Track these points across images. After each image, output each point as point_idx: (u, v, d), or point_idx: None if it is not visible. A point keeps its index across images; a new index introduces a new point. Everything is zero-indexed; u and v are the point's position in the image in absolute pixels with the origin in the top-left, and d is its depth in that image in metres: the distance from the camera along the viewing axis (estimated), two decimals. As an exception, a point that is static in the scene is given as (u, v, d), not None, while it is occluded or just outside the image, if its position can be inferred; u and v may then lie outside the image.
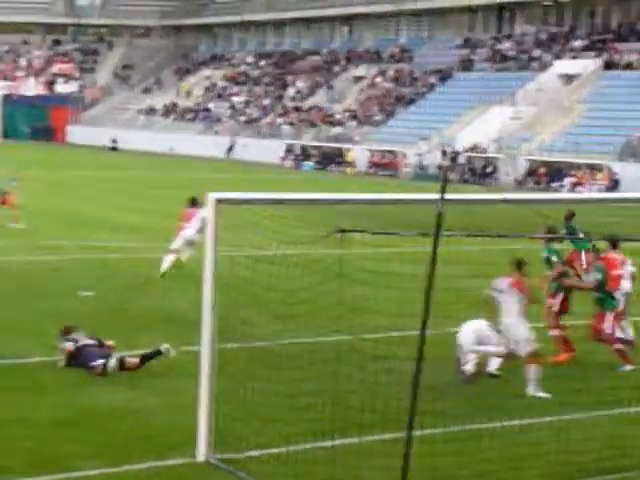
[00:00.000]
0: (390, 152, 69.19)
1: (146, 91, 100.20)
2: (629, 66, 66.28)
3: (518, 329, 13.63)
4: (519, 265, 13.99)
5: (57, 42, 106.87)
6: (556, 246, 16.64)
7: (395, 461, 9.71)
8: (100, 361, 13.90)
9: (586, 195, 44.65)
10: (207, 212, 10.93)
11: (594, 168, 57.84)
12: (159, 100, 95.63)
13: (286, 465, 10.44)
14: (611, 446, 11.23)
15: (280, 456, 10.67)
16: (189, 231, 21.96)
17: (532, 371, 13.47)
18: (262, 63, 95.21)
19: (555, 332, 15.70)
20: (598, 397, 12.86)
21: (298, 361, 13.58)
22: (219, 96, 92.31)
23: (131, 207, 37.30)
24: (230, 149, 79.85)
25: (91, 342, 14.43)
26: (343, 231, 12.99)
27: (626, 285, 16.21)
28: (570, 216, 19.21)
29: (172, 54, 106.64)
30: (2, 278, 21.27)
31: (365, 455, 10.54)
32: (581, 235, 18.80)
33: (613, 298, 15.45)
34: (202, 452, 10.83)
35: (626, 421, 12.12)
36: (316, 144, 75.50)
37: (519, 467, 10.58)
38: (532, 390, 13.40)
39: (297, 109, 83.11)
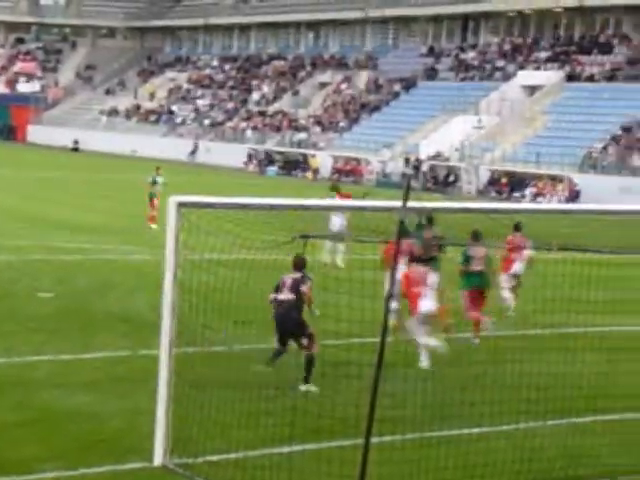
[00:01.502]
0: (354, 159, 69.34)
1: (109, 92, 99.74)
2: (591, 78, 66.90)
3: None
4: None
5: (20, 40, 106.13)
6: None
7: (353, 468, 9.72)
8: None
9: (546, 206, 45.11)
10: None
11: (555, 179, 58.31)
12: (122, 101, 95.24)
13: (243, 470, 10.43)
14: (565, 455, 11.33)
15: (237, 461, 10.65)
16: None
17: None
18: (227, 67, 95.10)
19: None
20: (553, 406, 12.97)
21: (257, 366, 13.58)
22: (183, 99, 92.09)
23: (92, 208, 37.10)
24: (193, 152, 79.67)
25: None
26: (306, 237, 13.01)
27: (518, 267, 19.53)
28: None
29: (136, 56, 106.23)
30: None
31: (323, 461, 10.53)
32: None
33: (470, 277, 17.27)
34: (159, 456, 10.79)
35: (581, 430, 12.22)
36: (280, 149, 75.51)
37: (475, 475, 10.63)
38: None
39: (261, 114, 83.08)
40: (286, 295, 14.04)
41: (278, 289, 14.18)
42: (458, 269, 17.71)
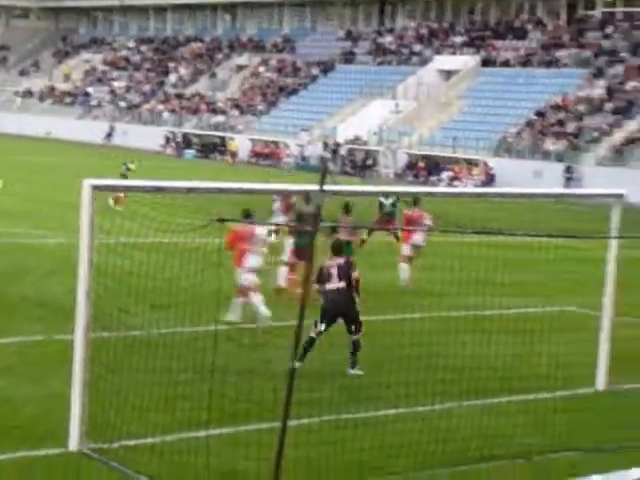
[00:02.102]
0: (272, 142, 69.24)
1: (23, 73, 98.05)
2: (506, 63, 67.66)
3: None
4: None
5: None
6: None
7: (270, 451, 9.73)
8: None
9: (462, 189, 45.60)
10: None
11: (471, 163, 58.94)
12: (37, 83, 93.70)
13: (160, 455, 10.38)
14: (480, 435, 11.48)
15: (154, 446, 10.60)
16: None
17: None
18: (143, 48, 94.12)
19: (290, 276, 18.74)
20: (469, 387, 13.15)
21: (174, 350, 13.50)
22: (99, 80, 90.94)
23: (4, 192, 36.47)
24: (109, 135, 78.77)
25: None
26: (222, 220, 12.91)
27: (418, 238, 21.62)
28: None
29: (51, 36, 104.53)
30: None
31: (240, 445, 10.54)
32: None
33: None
34: (74, 442, 10.69)
35: (495, 411, 12.40)
36: (198, 132, 75.05)
37: (391, 456, 10.74)
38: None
39: (179, 96, 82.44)
40: (337, 284, 14.08)
41: (324, 279, 14.16)
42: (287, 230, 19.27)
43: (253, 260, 16.74)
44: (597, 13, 68.71)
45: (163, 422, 11.01)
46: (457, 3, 76.58)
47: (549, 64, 65.29)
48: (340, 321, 14.31)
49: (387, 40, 77.36)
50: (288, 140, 68.02)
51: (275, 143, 69.00)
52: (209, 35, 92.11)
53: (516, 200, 27.60)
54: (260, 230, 17.05)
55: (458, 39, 72.83)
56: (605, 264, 14.41)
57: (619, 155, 54.73)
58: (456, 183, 57.29)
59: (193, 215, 16.51)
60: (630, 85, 59.66)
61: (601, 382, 14.27)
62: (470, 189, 46.64)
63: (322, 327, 14.08)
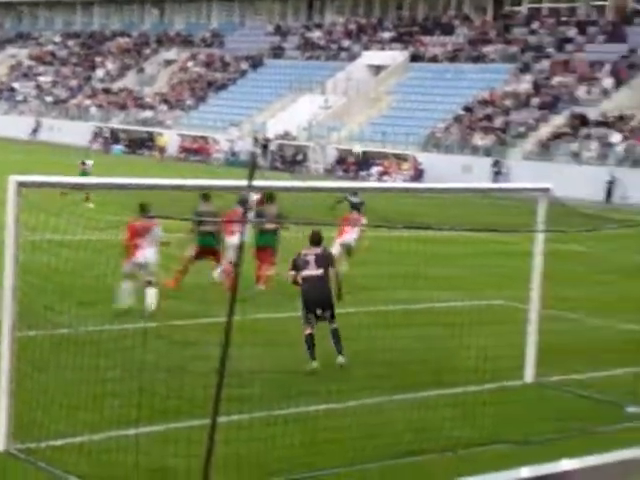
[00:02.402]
0: (201, 137, 68.91)
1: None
2: (434, 59, 68.13)
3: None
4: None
5: None
6: None
7: (200, 448, 9.68)
8: None
9: (391, 184, 45.78)
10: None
11: (400, 158, 59.24)
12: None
13: (89, 454, 10.27)
14: (411, 429, 11.54)
15: (83, 445, 10.48)
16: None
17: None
18: (70, 43, 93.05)
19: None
20: (399, 381, 13.21)
21: (102, 348, 13.37)
22: (24, 75, 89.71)
23: None
24: (35, 130, 77.75)
25: None
26: (151, 217, 12.82)
27: (348, 237, 22.00)
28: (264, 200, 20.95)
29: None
30: None
31: (170, 442, 10.46)
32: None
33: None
34: (1, 442, 10.52)
35: (425, 405, 12.47)
36: (126, 127, 74.41)
37: (321, 452, 10.74)
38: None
39: (106, 91, 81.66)
40: (314, 271, 14.10)
41: (300, 267, 14.20)
42: (189, 229, 19.20)
43: (144, 254, 16.79)
44: (523, 9, 69.50)
45: (92, 421, 10.89)
46: (385, -1, 76.95)
47: (476, 59, 65.88)
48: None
49: (316, 35, 77.42)
50: (217, 135, 67.75)
51: (204, 138, 68.67)
52: (136, 30, 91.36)
53: (445, 195, 27.81)
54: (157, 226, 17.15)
55: (386, 35, 73.13)
56: (532, 258, 14.57)
57: (545, 150, 55.43)
58: (385, 178, 57.54)
59: (121, 211, 16.38)
60: (556, 80, 60.45)
61: (529, 374, 14.42)
62: (400, 184, 46.87)
63: (310, 320, 14.10)
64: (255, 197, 23.24)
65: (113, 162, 57.26)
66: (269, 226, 19.63)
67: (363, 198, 24.49)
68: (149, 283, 16.65)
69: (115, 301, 16.40)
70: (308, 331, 14.06)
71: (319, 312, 14.12)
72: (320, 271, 14.13)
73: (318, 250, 14.43)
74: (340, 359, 14.09)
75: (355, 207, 25.23)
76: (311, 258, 14.27)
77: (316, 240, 14.54)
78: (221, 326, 9.69)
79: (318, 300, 14.17)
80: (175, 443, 10.36)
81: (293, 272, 14.35)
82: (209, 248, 19.18)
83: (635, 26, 62.09)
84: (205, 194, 19.03)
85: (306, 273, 14.20)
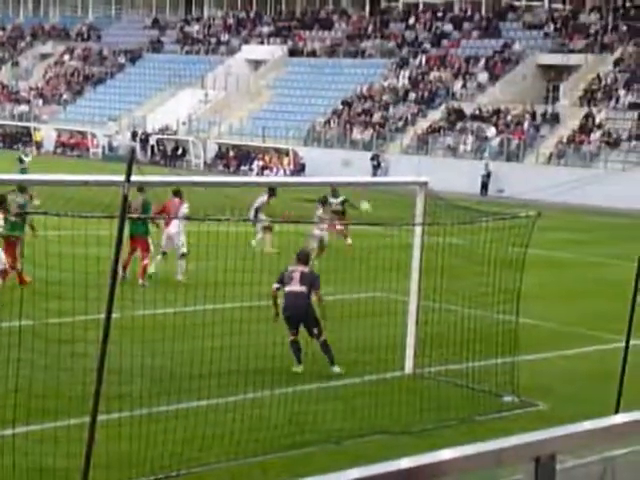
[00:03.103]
0: (79, 132, 67.85)
1: None
2: (313, 53, 68.41)
3: None
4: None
5: None
6: None
7: (80, 446, 9.56)
8: None
9: (273, 178, 45.82)
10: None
11: (281, 152, 59.35)
12: None
13: (-36, 457, 10.03)
14: (292, 422, 11.60)
15: (-43, 448, 10.22)
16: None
17: None
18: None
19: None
20: (278, 376, 13.25)
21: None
22: None
23: None
24: None
25: None
26: (25, 213, 12.58)
27: (172, 229, 21.55)
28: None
29: None
30: None
31: (48, 442, 10.30)
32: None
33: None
34: None
35: (306, 398, 12.54)
36: (1, 122, 72.79)
37: (203, 447, 10.72)
38: None
39: (-21, 85, 79.75)
40: (296, 287, 14.31)
41: (284, 281, 14.43)
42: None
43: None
44: (400, 4, 70.29)
45: (-33, 423, 10.63)
46: (264, -7, 76.92)
47: (355, 54, 66.41)
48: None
49: (195, 29, 76.97)
50: (95, 130, 66.79)
51: (82, 133, 67.64)
52: (10, 23, 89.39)
53: (325, 189, 27.96)
54: None
55: (265, 29, 73.15)
56: (411, 250, 14.77)
57: (423, 144, 56.21)
58: (267, 172, 57.58)
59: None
60: (433, 75, 61.35)
61: (409, 365, 14.63)
62: (281, 178, 46.94)
63: (292, 329, 14.45)
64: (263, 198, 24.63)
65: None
66: (136, 215, 20.13)
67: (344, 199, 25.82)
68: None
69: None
70: (291, 338, 14.40)
71: (301, 327, 14.44)
72: (303, 288, 14.40)
73: (305, 268, 14.65)
74: (334, 369, 14.30)
75: (334, 209, 26.20)
76: (296, 275, 14.53)
77: (303, 258, 14.80)
78: (98, 323, 9.59)
79: (298, 315, 14.46)
80: (54, 443, 10.21)
81: (277, 285, 14.63)
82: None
83: (509, 22, 63.43)
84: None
85: (289, 289, 14.50)
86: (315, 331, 14.40)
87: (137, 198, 20.38)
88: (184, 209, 21.75)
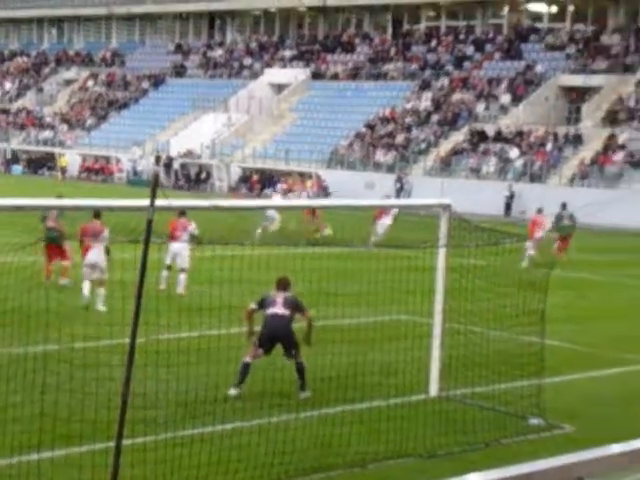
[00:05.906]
0: (103, 157, 68.21)
1: None
2: (335, 76, 68.59)
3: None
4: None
5: None
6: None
7: (105, 472, 9.56)
8: None
9: (298, 201, 45.81)
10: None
11: (304, 175, 59.44)
12: None
13: (-10, 481, 10.05)
14: (317, 445, 11.55)
15: (-17, 472, 10.25)
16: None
17: None
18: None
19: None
20: (304, 399, 13.19)
21: (3, 372, 13.11)
22: None
23: None
24: None
25: None
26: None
27: (176, 246, 21.55)
28: None
29: None
30: None
31: (73, 467, 10.29)
32: None
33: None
34: None
35: (331, 421, 12.49)
36: (26, 148, 73.30)
37: (229, 471, 10.68)
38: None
39: (5, 111, 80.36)
40: (280, 310, 14.26)
41: (265, 305, 14.36)
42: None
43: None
44: (422, 27, 70.43)
45: (-8, 447, 10.64)
46: (285, 17, 77.22)
47: (377, 77, 66.54)
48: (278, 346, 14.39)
49: (217, 54, 77.36)
50: (120, 155, 67.14)
51: (106, 158, 67.99)
52: (35, 49, 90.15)
53: (349, 212, 28.01)
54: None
55: (288, 53, 73.42)
56: (434, 272, 14.72)
57: (446, 165, 56.17)
58: (290, 196, 57.63)
59: (22, 233, 16.10)
60: (455, 97, 61.36)
61: (433, 388, 14.55)
62: (306, 200, 46.95)
63: (260, 351, 14.28)
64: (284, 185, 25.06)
65: (12, 182, 56.32)
66: (51, 225, 22.07)
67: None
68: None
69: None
70: (248, 359, 14.16)
71: (279, 347, 14.29)
72: (287, 312, 14.33)
73: (287, 294, 14.58)
74: (303, 394, 14.13)
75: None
76: (279, 300, 14.45)
77: (283, 285, 14.66)
78: (123, 348, 9.60)
79: (278, 335, 14.31)
80: (78, 468, 10.20)
81: (255, 307, 14.49)
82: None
83: (531, 43, 63.41)
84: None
85: (272, 310, 14.36)
86: (292, 352, 14.26)
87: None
88: (192, 229, 22.14)
